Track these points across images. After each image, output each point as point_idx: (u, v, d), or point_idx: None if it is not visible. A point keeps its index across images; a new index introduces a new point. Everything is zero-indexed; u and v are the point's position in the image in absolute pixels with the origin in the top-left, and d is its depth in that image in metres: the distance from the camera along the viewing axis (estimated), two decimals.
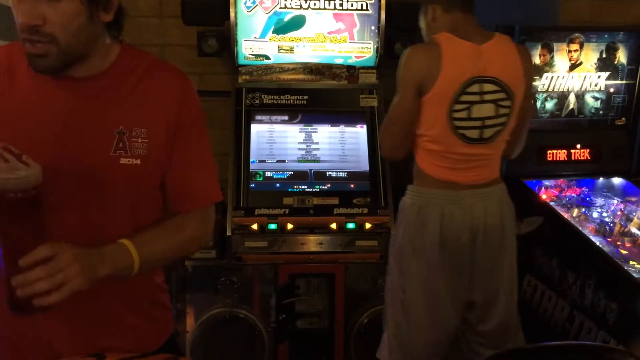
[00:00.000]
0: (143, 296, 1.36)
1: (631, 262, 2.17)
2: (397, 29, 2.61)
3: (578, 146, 2.69)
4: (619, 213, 2.54)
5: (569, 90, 2.64)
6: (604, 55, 2.63)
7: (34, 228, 1.07)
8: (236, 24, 2.50)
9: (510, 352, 1.43)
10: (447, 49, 1.88)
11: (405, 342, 2.04)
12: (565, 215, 2.41)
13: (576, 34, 2.58)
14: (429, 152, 1.98)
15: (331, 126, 2.59)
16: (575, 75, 2.62)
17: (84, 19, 1.15)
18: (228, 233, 2.30)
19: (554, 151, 2.66)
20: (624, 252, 2.29)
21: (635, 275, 2.01)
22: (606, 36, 2.61)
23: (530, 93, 2.03)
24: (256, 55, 2.57)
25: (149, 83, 1.26)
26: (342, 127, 2.59)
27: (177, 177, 1.30)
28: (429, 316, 2.00)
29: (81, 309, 1.26)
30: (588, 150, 2.69)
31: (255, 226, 2.32)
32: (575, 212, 2.56)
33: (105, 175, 1.21)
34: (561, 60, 2.59)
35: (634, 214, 2.49)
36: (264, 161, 2.48)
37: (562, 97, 2.64)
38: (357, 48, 2.60)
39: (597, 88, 2.67)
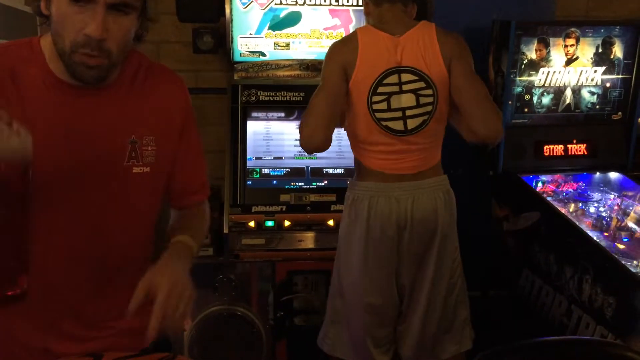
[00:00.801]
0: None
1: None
2: None
3: (574, 141, 2.69)
4: (615, 208, 2.54)
5: (565, 85, 2.64)
6: (600, 50, 2.63)
7: (16, 210, 1.03)
8: (231, 20, 2.49)
9: (510, 348, 1.43)
10: (364, 40, 1.89)
11: (344, 322, 2.07)
12: (562, 210, 2.42)
13: (572, 29, 2.58)
14: (358, 144, 1.99)
15: None
16: (571, 70, 2.62)
17: (133, 32, 1.17)
18: (225, 230, 2.30)
19: (551, 146, 2.66)
20: (621, 246, 2.29)
21: (633, 270, 2.01)
22: (602, 31, 2.61)
23: (468, 70, 1.91)
24: (252, 52, 2.56)
25: (153, 89, 1.28)
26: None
27: (182, 176, 1.36)
28: (363, 293, 2.00)
29: (76, 310, 1.26)
30: (584, 145, 2.70)
31: (252, 223, 2.31)
32: (572, 207, 2.56)
33: (119, 184, 1.24)
34: (557, 55, 2.59)
35: (631, 208, 2.50)
36: (260, 158, 2.47)
37: (559, 92, 2.64)
38: None
39: (594, 83, 2.67)
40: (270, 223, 2.32)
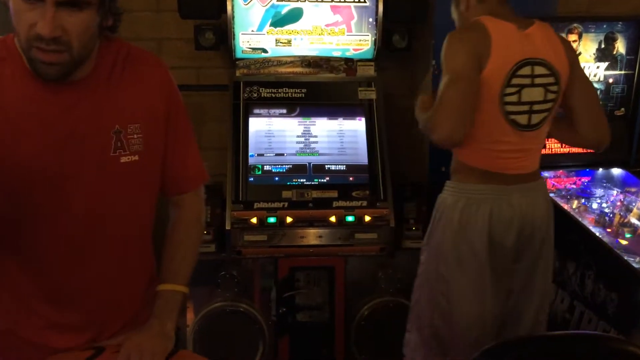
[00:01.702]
0: (139, 285, 1.38)
1: None
2: (395, 21, 2.60)
3: None
4: (618, 204, 2.53)
5: None
6: (602, 46, 2.62)
7: None
8: (233, 17, 2.48)
9: (513, 342, 1.43)
10: (494, 29, 1.78)
11: (447, 343, 1.93)
12: (565, 207, 2.41)
13: (575, 25, 2.57)
14: (475, 142, 1.83)
15: (329, 119, 2.58)
16: None
17: (96, 26, 1.15)
18: (227, 227, 2.30)
19: (553, 141, 2.65)
20: (623, 242, 2.29)
21: (636, 266, 2.01)
22: (605, 26, 2.60)
23: (585, 75, 1.94)
24: (254, 49, 2.56)
25: (133, 77, 1.26)
26: (340, 120, 2.58)
27: (174, 162, 1.35)
28: (474, 323, 1.87)
29: (76, 302, 1.26)
30: None
31: (254, 220, 2.31)
32: (575, 203, 2.55)
33: (108, 175, 1.23)
34: None
35: (634, 204, 2.49)
36: (262, 155, 2.47)
37: None
38: (355, 40, 2.59)
39: (596, 78, 2.66)
40: (272, 219, 2.33)
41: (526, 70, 1.80)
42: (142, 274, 1.39)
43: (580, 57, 2.59)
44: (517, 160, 1.88)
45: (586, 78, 1.93)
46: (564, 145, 2.66)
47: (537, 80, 1.81)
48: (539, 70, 1.81)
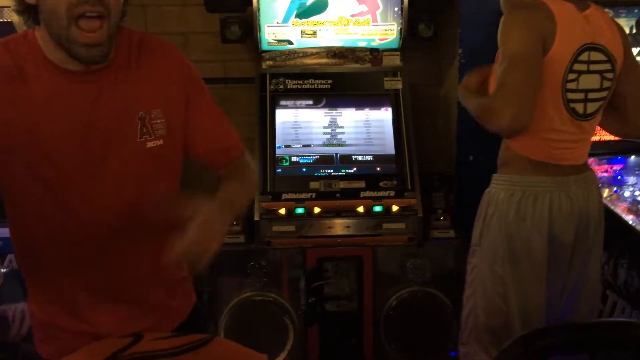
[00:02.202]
0: (175, 274, 1.39)
1: None
2: (421, 10, 2.58)
3: None
4: None
5: None
6: (634, 31, 2.56)
7: None
8: (259, 9, 2.49)
9: (545, 330, 1.42)
10: (558, 10, 1.67)
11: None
12: None
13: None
14: (532, 130, 1.74)
15: (356, 110, 2.58)
16: None
17: (123, 3, 1.17)
18: (256, 218, 2.32)
19: None
20: None
21: None
22: (636, 11, 2.54)
23: (636, 61, 1.85)
24: (279, 41, 2.57)
25: (149, 63, 1.28)
26: (367, 111, 2.58)
27: (209, 137, 1.36)
28: (531, 323, 1.80)
29: (111, 287, 1.29)
30: None
31: (282, 211, 2.33)
32: (607, 191, 2.51)
33: (136, 161, 1.25)
34: None
35: None
36: (289, 146, 2.49)
37: None
38: (381, 30, 2.58)
39: None
40: (300, 210, 2.34)
41: (584, 56, 1.69)
42: (176, 279, 1.41)
43: None
44: (572, 151, 1.80)
45: (638, 64, 1.84)
46: (595, 132, 2.61)
47: (593, 67, 1.72)
48: (596, 56, 1.71)
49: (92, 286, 1.30)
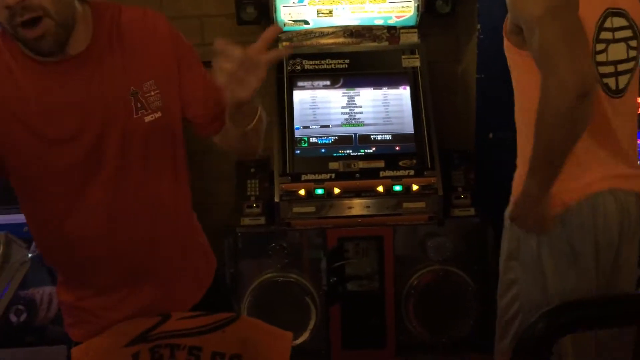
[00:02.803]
0: (192, 238, 1.41)
1: None
2: None
3: None
4: None
5: None
6: None
7: None
8: None
9: (573, 305, 1.41)
10: None
11: None
12: None
13: None
14: None
15: (374, 89, 2.56)
16: None
17: None
18: (276, 199, 2.33)
19: None
20: None
21: None
22: None
23: None
24: (295, 21, 2.55)
25: (133, 35, 1.25)
26: (384, 90, 2.56)
27: (205, 102, 1.31)
28: None
29: (145, 273, 1.31)
30: None
31: (302, 192, 2.34)
32: None
33: (137, 137, 1.24)
34: None
35: None
36: (308, 127, 2.48)
37: None
38: (397, 7, 2.55)
39: None
40: (320, 191, 2.34)
41: (608, 22, 1.47)
42: (196, 247, 1.42)
43: None
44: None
45: None
46: None
47: (618, 35, 1.49)
48: (618, 22, 1.49)
49: (121, 269, 1.31)
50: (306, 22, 2.56)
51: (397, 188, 2.36)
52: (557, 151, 1.41)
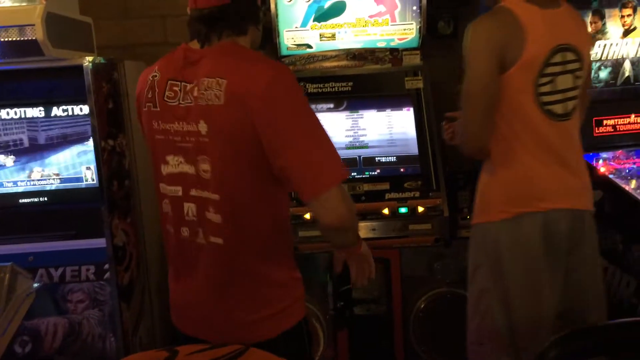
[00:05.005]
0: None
1: None
2: (440, 7, 2.56)
3: (634, 115, 2.58)
4: None
5: (624, 57, 2.53)
6: None
7: None
8: (277, 15, 2.49)
9: (582, 332, 1.40)
10: (524, 15, 1.67)
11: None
12: (626, 188, 2.33)
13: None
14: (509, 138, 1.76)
15: (377, 111, 2.56)
16: (629, 41, 2.51)
17: None
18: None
19: (611, 121, 2.56)
20: None
21: None
22: None
23: (590, 64, 1.89)
24: (298, 45, 2.57)
25: None
26: (388, 112, 2.56)
27: None
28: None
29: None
30: None
31: (308, 215, 2.33)
32: (634, 183, 2.46)
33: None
34: (614, 26, 2.48)
35: None
36: None
37: (617, 64, 2.54)
38: (400, 30, 2.56)
39: None
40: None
41: (558, 57, 1.71)
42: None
43: (635, 32, 2.51)
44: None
45: (590, 62, 1.89)
46: (621, 124, 2.57)
47: (568, 67, 1.73)
48: (568, 56, 1.73)
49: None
50: (309, 46, 2.57)
51: (403, 210, 2.35)
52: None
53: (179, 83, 1.31)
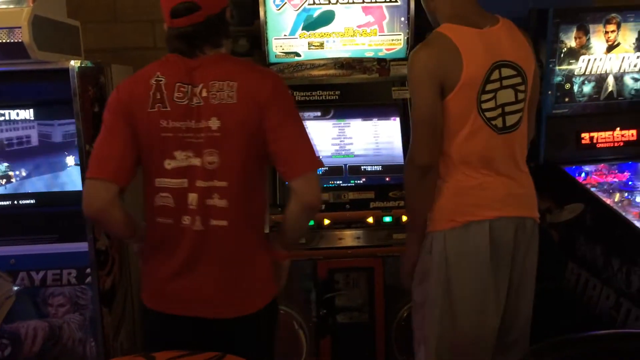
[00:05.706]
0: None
1: None
2: (428, 18, 2.58)
3: (618, 129, 2.62)
4: None
5: (607, 72, 2.57)
6: None
7: None
8: (266, 22, 2.51)
9: (559, 342, 1.41)
10: (459, 39, 1.73)
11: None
12: (607, 201, 2.36)
13: (613, 14, 2.51)
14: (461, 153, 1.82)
15: (364, 120, 2.58)
16: (613, 56, 2.56)
17: None
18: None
19: (594, 135, 2.60)
20: None
21: None
22: None
23: (538, 80, 1.93)
24: (287, 53, 2.58)
25: None
26: (375, 121, 2.58)
27: None
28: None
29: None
30: (629, 132, 2.62)
31: None
32: (617, 196, 2.50)
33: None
34: (598, 42, 2.52)
35: None
36: None
37: (600, 79, 2.58)
38: (388, 40, 2.59)
39: (637, 69, 2.59)
40: (310, 222, 2.34)
41: (495, 74, 1.76)
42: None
43: (619, 48, 2.55)
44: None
45: (538, 74, 1.93)
46: (604, 138, 2.61)
47: (505, 82, 1.78)
48: (506, 72, 1.78)
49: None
50: (297, 55, 2.59)
51: (387, 219, 2.37)
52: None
53: (186, 85, 1.49)
